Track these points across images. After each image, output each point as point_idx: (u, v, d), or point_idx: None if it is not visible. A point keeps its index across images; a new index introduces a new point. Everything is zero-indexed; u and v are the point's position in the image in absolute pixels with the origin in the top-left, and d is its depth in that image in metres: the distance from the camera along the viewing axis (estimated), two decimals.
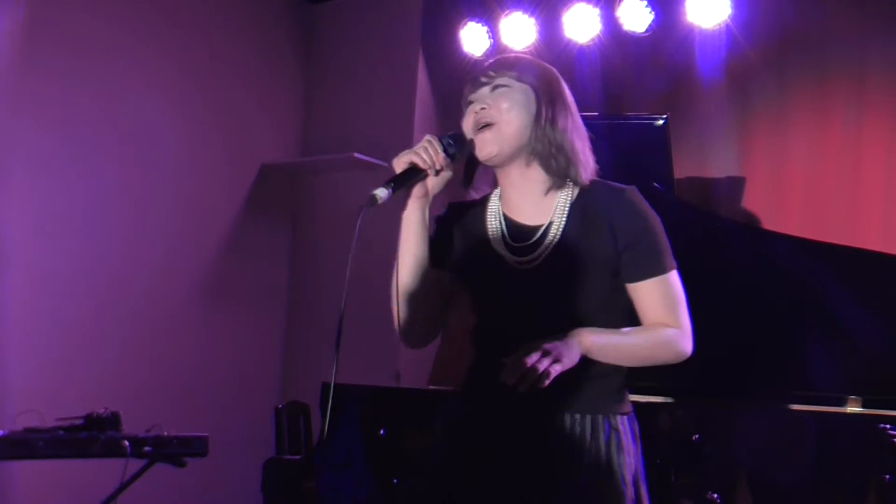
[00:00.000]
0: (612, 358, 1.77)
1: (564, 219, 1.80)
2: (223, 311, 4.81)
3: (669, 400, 3.20)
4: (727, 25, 4.17)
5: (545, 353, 1.64)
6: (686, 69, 4.34)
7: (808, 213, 4.09)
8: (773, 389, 3.24)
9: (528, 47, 4.63)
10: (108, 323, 4.31)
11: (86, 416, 2.62)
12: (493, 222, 1.87)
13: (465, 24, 4.77)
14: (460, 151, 1.82)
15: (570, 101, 1.88)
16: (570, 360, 1.68)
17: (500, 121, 1.80)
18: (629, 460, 1.77)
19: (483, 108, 1.82)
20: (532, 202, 1.84)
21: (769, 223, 4.12)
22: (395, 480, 3.34)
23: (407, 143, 5.80)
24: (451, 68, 4.90)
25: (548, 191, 1.84)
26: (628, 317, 1.84)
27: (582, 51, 4.51)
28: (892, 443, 2.77)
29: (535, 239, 1.81)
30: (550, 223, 1.81)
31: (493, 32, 4.72)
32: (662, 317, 1.79)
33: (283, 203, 5.20)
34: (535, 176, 1.84)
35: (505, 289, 1.82)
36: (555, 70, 1.92)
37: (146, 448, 2.67)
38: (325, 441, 3.57)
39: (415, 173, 1.77)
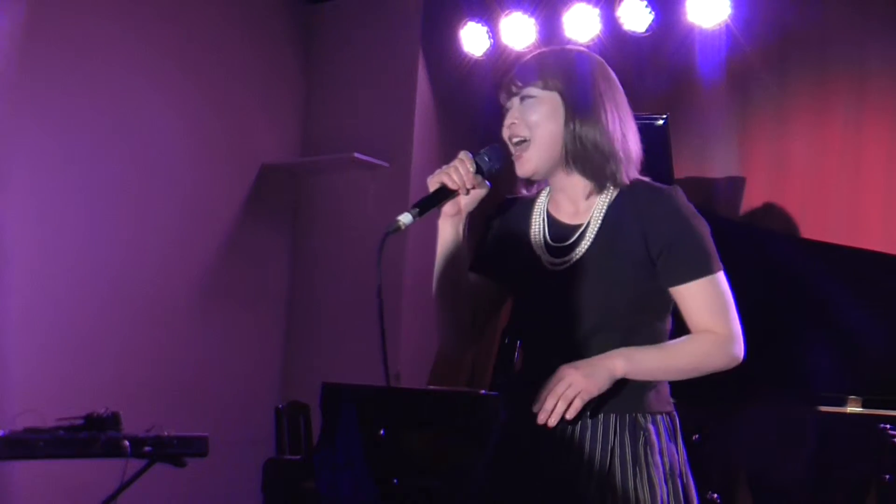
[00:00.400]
0: (654, 376, 1.76)
1: (599, 222, 1.80)
2: (223, 311, 4.81)
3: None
4: (727, 25, 4.17)
5: (568, 385, 1.67)
6: (686, 69, 4.34)
7: (808, 213, 4.09)
8: (773, 389, 3.24)
9: (528, 47, 4.63)
10: (108, 323, 4.31)
11: (86, 416, 2.62)
12: (537, 221, 1.88)
13: (465, 24, 4.77)
14: (499, 165, 1.81)
15: (611, 97, 1.84)
16: (595, 388, 1.69)
17: (531, 136, 1.80)
18: (660, 459, 1.76)
19: (514, 123, 1.82)
20: (575, 204, 1.85)
21: (769, 223, 4.12)
22: (395, 480, 3.34)
23: (407, 143, 5.79)
24: (451, 68, 4.90)
25: (590, 194, 1.84)
26: (674, 318, 1.83)
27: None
28: (892, 443, 2.77)
29: (572, 240, 1.81)
30: (588, 225, 1.81)
31: (493, 32, 4.72)
32: (707, 322, 1.77)
33: (283, 203, 5.20)
34: (577, 180, 1.84)
35: (537, 289, 1.84)
36: (590, 58, 1.88)
37: (146, 448, 2.66)
38: (322, 441, 3.58)
39: (444, 194, 1.77)
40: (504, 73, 1.89)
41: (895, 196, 3.93)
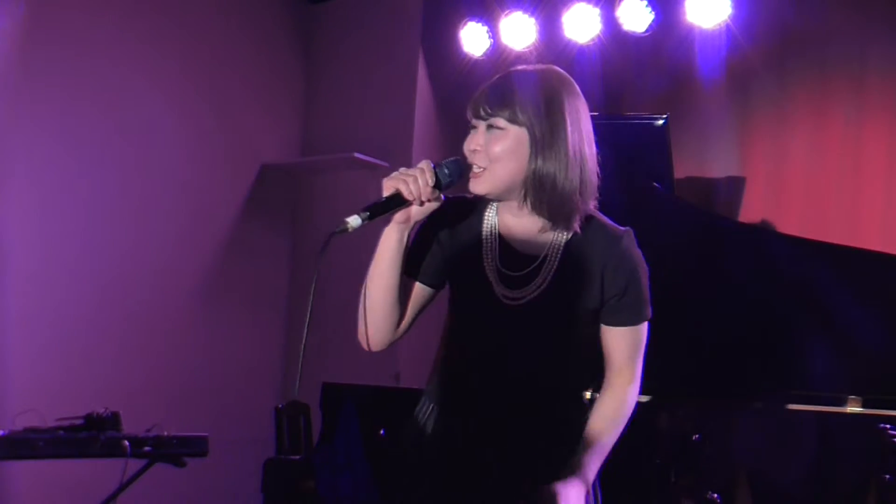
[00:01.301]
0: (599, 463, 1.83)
1: (556, 262, 1.80)
2: (223, 311, 4.81)
3: (669, 400, 3.20)
4: (727, 25, 4.17)
5: None
6: (686, 69, 4.33)
7: (808, 213, 4.09)
8: (773, 389, 3.24)
9: (528, 47, 4.63)
10: (108, 323, 4.31)
11: (86, 416, 2.62)
12: (489, 240, 1.85)
13: (465, 24, 4.77)
14: (457, 180, 1.79)
15: (572, 123, 1.80)
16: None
17: (491, 167, 1.78)
18: None
19: (475, 151, 1.80)
20: (528, 234, 1.84)
21: (769, 223, 4.12)
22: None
23: (407, 143, 5.77)
24: (451, 68, 4.90)
25: (542, 230, 1.83)
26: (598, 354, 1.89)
27: (582, 51, 4.50)
28: (892, 443, 2.77)
29: (526, 272, 1.81)
30: (543, 262, 1.81)
31: (493, 32, 4.72)
32: (624, 362, 1.85)
33: (283, 203, 5.20)
34: (529, 216, 1.83)
35: (489, 321, 1.83)
36: (560, 81, 1.85)
37: (146, 448, 2.66)
38: (323, 441, 3.57)
39: (397, 201, 1.74)
40: (478, 90, 1.85)
41: (895, 196, 3.93)
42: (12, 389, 3.82)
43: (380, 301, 1.84)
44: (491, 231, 1.85)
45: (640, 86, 4.45)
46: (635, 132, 3.52)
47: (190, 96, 4.71)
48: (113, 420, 2.64)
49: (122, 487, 2.67)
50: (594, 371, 1.90)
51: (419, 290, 1.90)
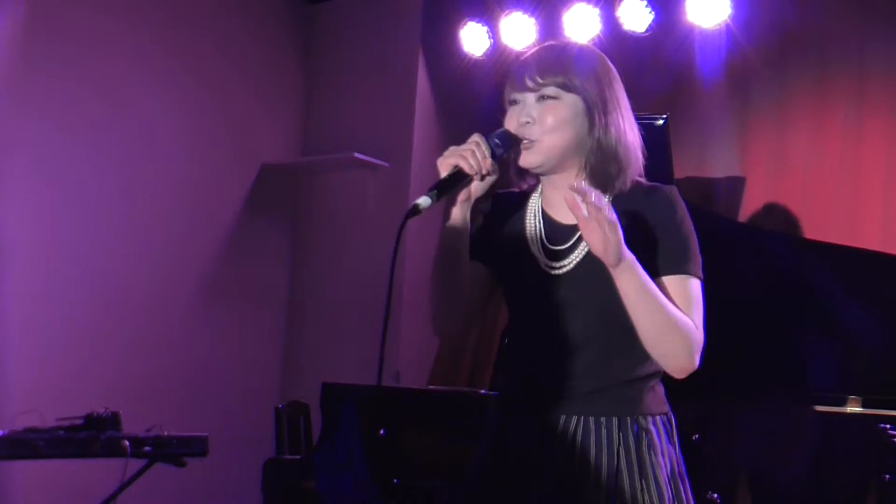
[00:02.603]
0: (633, 298, 1.65)
1: None
2: (223, 311, 4.81)
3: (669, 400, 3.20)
4: (727, 25, 4.17)
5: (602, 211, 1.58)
6: (686, 69, 4.34)
7: (808, 213, 4.09)
8: (773, 389, 3.24)
9: (528, 47, 4.63)
10: (108, 322, 4.31)
11: (86, 416, 2.62)
12: (532, 221, 1.82)
13: (465, 24, 4.77)
14: (508, 152, 1.74)
15: (621, 98, 1.78)
16: (612, 233, 1.59)
17: (545, 139, 1.72)
18: (662, 461, 1.74)
19: (527, 122, 1.73)
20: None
21: (769, 223, 4.12)
22: (395, 480, 3.34)
23: (407, 143, 5.76)
24: (451, 68, 4.90)
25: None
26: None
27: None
28: (892, 443, 2.77)
29: (570, 243, 1.77)
30: None
31: (493, 32, 4.72)
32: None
33: (283, 203, 5.20)
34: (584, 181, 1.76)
35: (536, 292, 1.80)
36: (606, 60, 1.81)
37: (146, 448, 2.67)
38: (323, 440, 3.57)
39: (460, 178, 1.68)
40: (517, 64, 1.79)
41: (895, 196, 3.93)
42: (12, 389, 3.82)
43: (448, 282, 1.79)
44: (535, 212, 1.83)
45: (640, 86, 4.44)
46: None
47: (190, 96, 4.71)
48: (113, 420, 2.64)
49: (122, 487, 2.67)
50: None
51: (482, 272, 1.86)
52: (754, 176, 4.26)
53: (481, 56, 4.79)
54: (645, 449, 1.73)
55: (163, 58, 4.59)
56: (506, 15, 4.63)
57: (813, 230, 3.95)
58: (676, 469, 1.78)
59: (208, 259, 4.79)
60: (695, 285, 1.74)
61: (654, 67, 4.38)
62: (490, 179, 1.72)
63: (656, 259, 1.72)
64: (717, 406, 3.12)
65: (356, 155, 4.80)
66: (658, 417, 1.78)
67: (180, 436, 2.75)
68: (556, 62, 1.74)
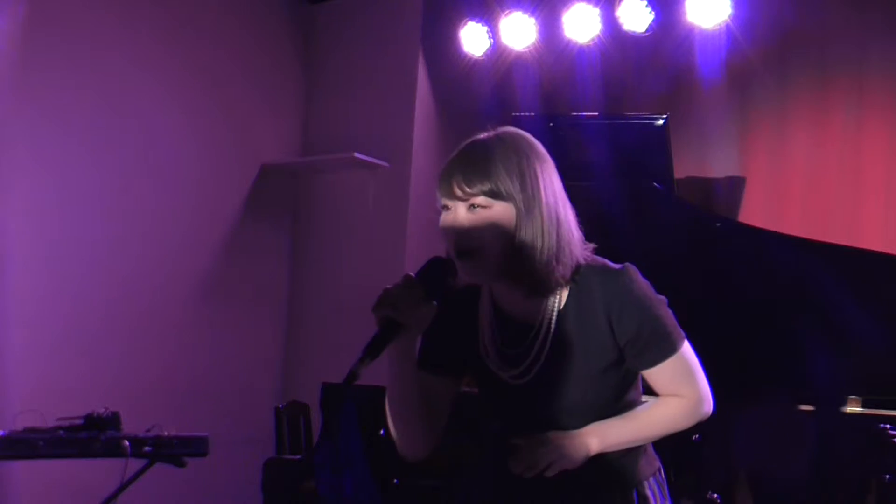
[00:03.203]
0: (628, 445, 1.76)
1: (554, 326, 1.70)
2: (223, 311, 4.81)
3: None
4: (727, 25, 4.18)
5: (551, 449, 1.68)
6: (686, 69, 4.34)
7: (808, 213, 4.10)
8: (773, 389, 3.24)
9: (528, 47, 4.63)
10: (108, 322, 4.31)
11: (86, 416, 2.62)
12: (486, 321, 1.77)
13: (465, 24, 4.77)
14: (443, 279, 1.65)
15: (548, 182, 1.69)
16: (570, 461, 1.68)
17: (481, 250, 1.64)
18: None
19: (460, 233, 1.64)
20: (521, 305, 1.73)
21: (769, 223, 4.12)
22: (395, 481, 3.34)
23: (407, 143, 5.73)
24: (451, 68, 4.90)
25: (531, 297, 1.71)
26: (643, 390, 1.82)
27: (582, 51, 4.51)
28: (892, 443, 2.77)
29: (525, 344, 1.72)
30: (540, 329, 1.70)
31: (493, 32, 4.72)
32: (676, 391, 1.77)
33: (283, 203, 5.20)
34: (521, 288, 1.70)
35: (500, 401, 1.79)
36: (526, 145, 1.71)
37: (146, 448, 2.66)
38: (323, 440, 3.57)
39: (395, 329, 1.59)
40: (445, 168, 1.69)
41: (895, 196, 3.93)
42: (12, 389, 3.82)
43: (412, 415, 1.76)
44: (487, 313, 1.77)
45: (640, 86, 4.46)
46: (635, 132, 3.52)
47: (190, 96, 4.71)
48: (113, 420, 2.64)
49: (122, 487, 2.67)
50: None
51: (439, 381, 1.81)
52: (754, 176, 4.27)
53: (481, 56, 4.79)
54: None
55: (163, 58, 4.58)
56: (506, 15, 4.63)
57: (813, 230, 3.95)
58: None
59: (208, 259, 4.79)
60: (685, 352, 1.75)
61: (654, 67, 4.39)
62: (427, 318, 1.62)
63: (638, 355, 1.72)
64: (717, 406, 3.12)
65: (356, 155, 4.80)
66: (652, 478, 1.81)
67: (180, 436, 2.75)
68: (481, 169, 1.65)
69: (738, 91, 4.31)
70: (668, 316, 1.73)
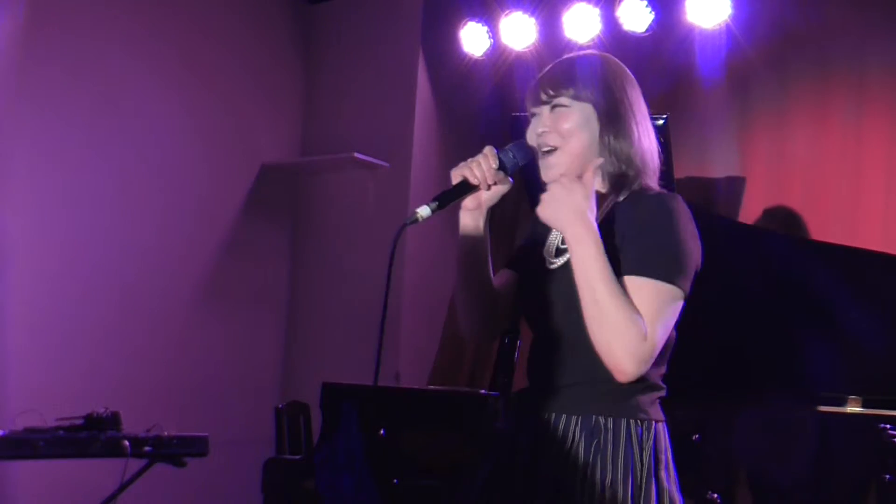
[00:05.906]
0: (577, 274, 1.66)
1: (597, 222, 1.74)
2: (223, 311, 4.81)
3: (669, 400, 3.19)
4: (727, 25, 4.17)
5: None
6: (686, 69, 4.34)
7: (808, 213, 4.09)
8: (773, 389, 3.24)
9: (528, 47, 4.63)
10: (107, 322, 4.31)
11: (86, 416, 2.62)
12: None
13: (465, 24, 4.77)
14: (523, 163, 1.81)
15: (636, 104, 1.85)
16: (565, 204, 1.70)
17: (563, 145, 1.79)
18: (610, 466, 1.72)
19: (544, 132, 1.80)
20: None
21: (769, 223, 4.12)
22: (395, 480, 3.34)
23: (407, 143, 5.76)
24: (451, 68, 4.90)
25: (603, 197, 1.81)
26: (676, 330, 1.78)
27: (582, 51, 4.50)
28: (892, 443, 2.77)
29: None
30: None
31: (493, 32, 4.72)
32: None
33: (283, 203, 5.20)
34: (598, 186, 1.81)
35: (534, 288, 1.85)
36: (619, 66, 1.88)
37: (146, 448, 2.67)
38: (323, 440, 3.58)
39: (465, 188, 1.78)
40: (534, 80, 1.86)
41: (895, 196, 3.93)
42: (12, 389, 3.82)
43: (468, 290, 1.86)
44: None
45: (640, 86, 4.45)
46: None
47: (190, 96, 4.71)
48: (113, 420, 2.64)
49: (122, 487, 2.67)
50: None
51: (513, 279, 1.93)
52: (754, 176, 4.26)
53: (481, 56, 4.79)
54: (593, 450, 1.70)
55: (163, 58, 4.59)
56: (506, 15, 4.63)
57: (813, 230, 3.96)
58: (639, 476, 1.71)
59: (208, 259, 4.79)
60: (661, 292, 1.66)
61: (654, 67, 4.38)
62: (499, 189, 1.80)
63: (623, 254, 1.70)
64: (717, 406, 3.12)
65: (356, 155, 4.80)
66: (632, 421, 1.72)
67: (180, 436, 2.75)
68: (565, 75, 1.82)
69: (738, 91, 4.31)
70: (682, 252, 1.70)
